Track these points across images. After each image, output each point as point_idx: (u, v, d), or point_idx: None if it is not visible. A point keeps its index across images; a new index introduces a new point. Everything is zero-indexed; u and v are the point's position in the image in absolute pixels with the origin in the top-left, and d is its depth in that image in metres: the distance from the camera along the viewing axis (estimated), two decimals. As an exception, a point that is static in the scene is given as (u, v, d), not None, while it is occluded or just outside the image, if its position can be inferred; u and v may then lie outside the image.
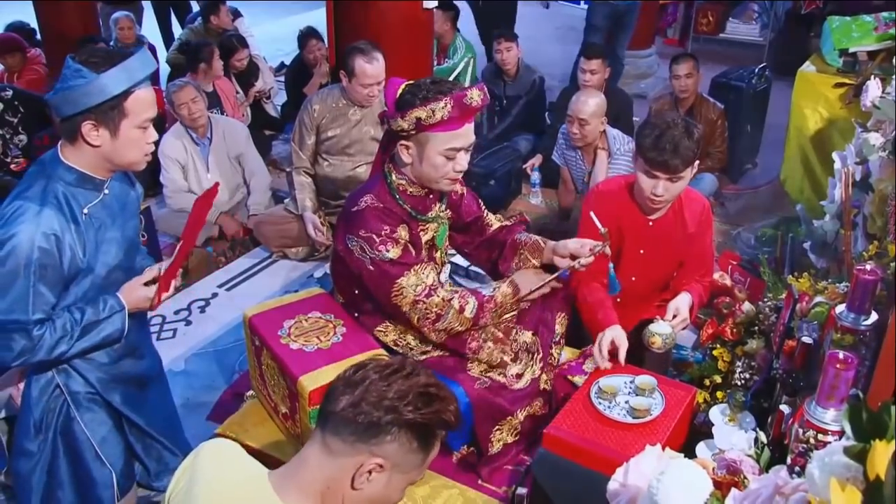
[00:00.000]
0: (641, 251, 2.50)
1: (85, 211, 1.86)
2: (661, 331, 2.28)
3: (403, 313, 2.10)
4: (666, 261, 2.54)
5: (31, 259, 1.75)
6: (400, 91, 2.03)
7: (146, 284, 1.98)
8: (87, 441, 2.08)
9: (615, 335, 2.20)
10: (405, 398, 1.17)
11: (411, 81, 2.05)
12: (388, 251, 2.05)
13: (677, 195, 2.39)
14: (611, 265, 2.27)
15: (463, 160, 2.06)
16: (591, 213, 2.28)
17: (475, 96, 1.99)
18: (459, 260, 3.09)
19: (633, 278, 2.54)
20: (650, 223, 2.46)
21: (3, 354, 1.81)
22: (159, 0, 7.17)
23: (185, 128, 4.06)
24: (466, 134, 2.03)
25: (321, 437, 1.21)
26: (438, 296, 2.09)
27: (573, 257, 2.20)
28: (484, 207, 2.42)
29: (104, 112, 1.77)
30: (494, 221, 2.42)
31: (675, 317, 2.35)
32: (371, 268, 2.07)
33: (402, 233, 2.09)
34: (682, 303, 2.39)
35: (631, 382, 2.07)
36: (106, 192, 1.91)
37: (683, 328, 2.41)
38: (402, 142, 2.05)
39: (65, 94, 1.75)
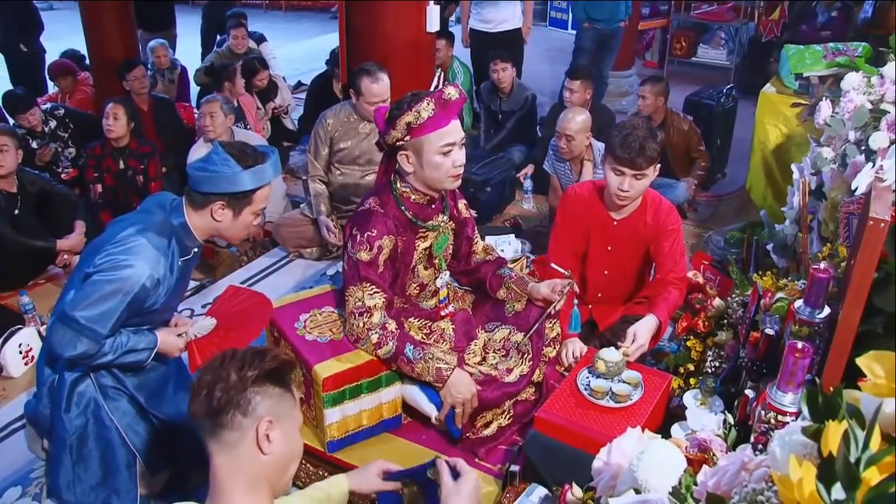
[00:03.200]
0: (609, 248, 2.51)
1: (179, 263, 1.97)
2: (608, 357, 2.04)
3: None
4: (632, 256, 2.54)
5: (132, 290, 1.86)
6: (387, 112, 2.04)
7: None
8: (114, 426, 2.12)
9: (574, 348, 2.32)
10: (244, 366, 1.21)
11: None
12: (360, 252, 2.04)
13: (641, 192, 2.39)
14: (575, 303, 2.24)
15: (458, 155, 2.03)
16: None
17: (452, 92, 1.99)
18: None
19: (606, 272, 2.56)
20: (615, 222, 2.47)
21: (66, 349, 1.90)
22: (209, 23, 7.06)
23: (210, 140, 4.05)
24: (454, 130, 2.02)
25: (214, 442, 1.21)
26: (366, 320, 2.04)
27: (546, 302, 2.21)
28: (477, 234, 2.41)
29: (236, 199, 1.92)
30: (480, 252, 2.40)
31: (633, 342, 2.25)
32: (347, 262, 2.09)
33: (386, 242, 2.06)
34: (642, 328, 2.27)
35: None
36: (196, 250, 2.03)
37: (639, 356, 2.27)
38: (401, 152, 2.04)
39: (208, 174, 1.88)
